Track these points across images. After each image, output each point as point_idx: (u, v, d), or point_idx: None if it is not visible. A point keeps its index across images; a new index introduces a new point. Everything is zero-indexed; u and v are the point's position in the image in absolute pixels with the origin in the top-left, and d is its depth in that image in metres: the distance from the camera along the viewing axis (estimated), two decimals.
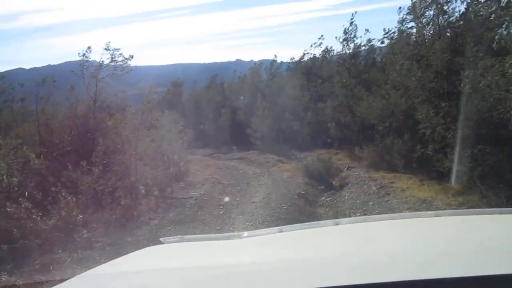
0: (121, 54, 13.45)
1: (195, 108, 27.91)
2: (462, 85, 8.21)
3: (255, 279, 1.18)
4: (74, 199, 8.35)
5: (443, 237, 1.50)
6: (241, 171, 15.75)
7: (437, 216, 1.97)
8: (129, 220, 9.15)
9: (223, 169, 16.46)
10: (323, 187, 12.39)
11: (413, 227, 1.75)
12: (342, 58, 16.10)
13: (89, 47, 13.38)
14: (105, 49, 13.39)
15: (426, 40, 10.29)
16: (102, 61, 13.48)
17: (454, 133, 8.13)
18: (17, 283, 5.91)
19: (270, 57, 25.88)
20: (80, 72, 13.25)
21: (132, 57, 13.69)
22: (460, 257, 1.21)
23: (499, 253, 1.21)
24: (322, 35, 20.91)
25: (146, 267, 1.54)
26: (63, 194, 8.30)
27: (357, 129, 14.57)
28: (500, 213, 1.82)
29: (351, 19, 16.66)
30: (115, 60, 13.41)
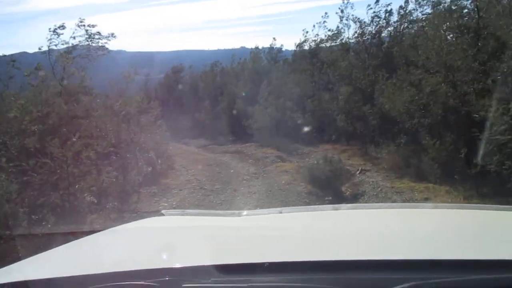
0: (98, 32, 9.54)
1: (192, 95, 24.41)
2: None
3: (258, 251, 1.18)
4: None
5: (429, 226, 1.48)
6: (232, 170, 12.32)
7: (436, 208, 2.03)
8: None
9: (212, 166, 13.04)
10: (330, 198, 8.94)
11: (408, 217, 1.66)
12: (362, 35, 12.32)
13: (62, 24, 9.54)
14: (78, 25, 9.56)
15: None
16: (74, 37, 9.61)
17: None
18: None
19: (275, 45, 22.01)
20: (47, 52, 9.50)
21: (112, 35, 9.81)
22: (440, 242, 1.21)
23: (475, 243, 1.21)
24: (326, 13, 16.71)
25: (156, 232, 1.50)
26: None
27: (374, 123, 10.99)
28: (497, 209, 1.75)
29: None
30: (91, 39, 9.54)
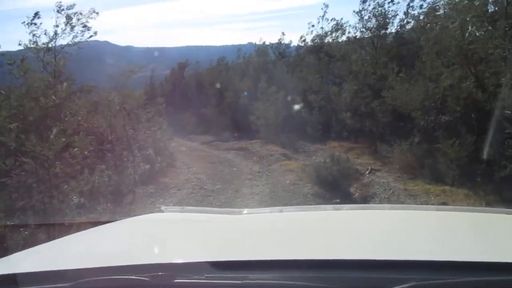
0: (80, 13, 8.65)
1: (198, 91, 23.71)
2: None
3: (255, 248, 1.15)
4: None
5: (430, 228, 1.42)
6: (235, 168, 11.62)
7: (438, 210, 1.95)
8: None
9: (215, 164, 12.35)
10: (338, 200, 8.20)
11: (409, 218, 1.56)
12: (369, 28, 11.49)
13: (36, 13, 8.70)
14: (58, 11, 8.80)
15: None
16: (57, 26, 8.86)
17: None
18: None
19: (283, 40, 21.16)
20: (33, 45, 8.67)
21: (96, 13, 8.90)
22: (424, 244, 1.16)
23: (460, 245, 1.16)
24: (326, 5, 15.77)
25: (152, 228, 1.46)
26: None
27: (384, 120, 10.20)
28: (497, 212, 1.66)
29: None
30: (71, 23, 8.72)
